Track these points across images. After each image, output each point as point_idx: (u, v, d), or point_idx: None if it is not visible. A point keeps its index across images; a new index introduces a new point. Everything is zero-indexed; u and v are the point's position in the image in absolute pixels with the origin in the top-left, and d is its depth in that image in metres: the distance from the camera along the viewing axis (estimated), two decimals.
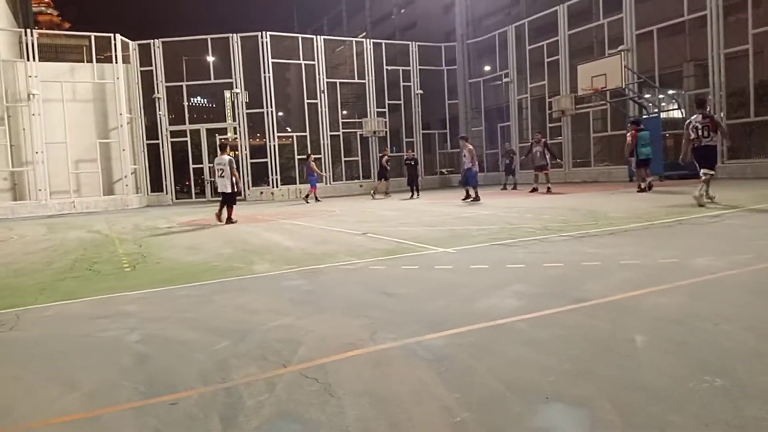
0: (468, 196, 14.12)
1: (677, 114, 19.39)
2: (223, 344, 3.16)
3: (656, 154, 16.81)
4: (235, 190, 11.52)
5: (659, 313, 3.26)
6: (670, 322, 3.09)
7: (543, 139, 16.84)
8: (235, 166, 11.76)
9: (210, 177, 23.87)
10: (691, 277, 4.12)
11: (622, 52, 18.85)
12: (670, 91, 20.60)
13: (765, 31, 16.52)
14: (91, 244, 8.90)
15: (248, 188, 23.58)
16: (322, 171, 21.83)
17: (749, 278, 4.02)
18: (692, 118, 9.66)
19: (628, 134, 14.18)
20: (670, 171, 17.86)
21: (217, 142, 23.70)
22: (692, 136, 9.39)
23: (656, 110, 19.01)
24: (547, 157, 16.28)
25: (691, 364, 2.46)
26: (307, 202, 18.54)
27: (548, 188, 16.08)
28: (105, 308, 4.30)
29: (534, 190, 16.39)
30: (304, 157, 21.14)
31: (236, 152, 24.30)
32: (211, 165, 23.49)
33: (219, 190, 11.77)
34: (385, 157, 20.26)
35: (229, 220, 11.41)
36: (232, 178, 11.43)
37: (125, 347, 3.25)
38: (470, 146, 14.49)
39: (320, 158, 24.22)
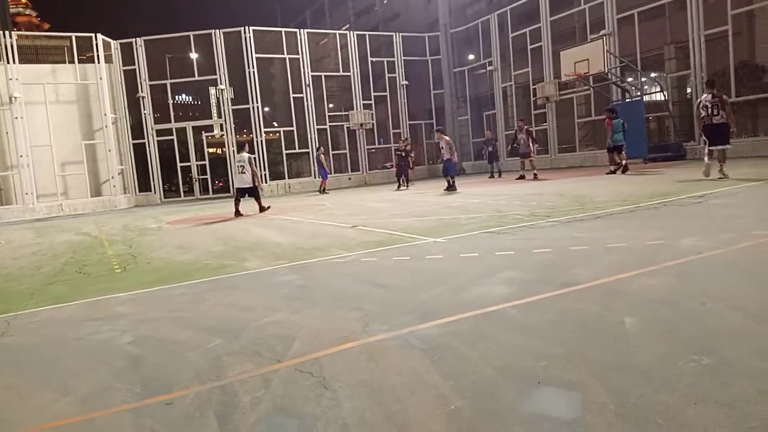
0: (450, 186, 14.24)
1: (660, 97, 19.52)
2: (216, 342, 3.16)
3: (640, 137, 17.01)
4: (257, 183, 12.56)
5: (647, 295, 3.31)
6: (658, 303, 3.14)
7: (525, 127, 17.19)
8: (255, 163, 12.60)
9: (198, 175, 23.77)
10: (677, 257, 4.17)
11: (604, 37, 18.90)
12: (653, 74, 20.70)
13: (743, 12, 16.65)
14: (80, 247, 8.83)
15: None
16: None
17: (734, 257, 4.08)
18: (702, 97, 10.26)
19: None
20: (654, 153, 18.01)
21: (204, 140, 23.73)
22: (702, 114, 10.06)
23: (639, 93, 19.12)
24: (531, 144, 16.47)
25: (680, 344, 2.50)
26: (322, 194, 19.16)
27: (534, 175, 16.23)
28: (96, 311, 4.28)
29: (521, 177, 16.60)
30: (316, 149, 21.77)
31: (224, 149, 24.22)
32: (201, 163, 23.58)
33: (238, 186, 12.66)
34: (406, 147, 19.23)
35: (262, 209, 12.45)
36: (254, 174, 12.47)
37: (118, 349, 3.25)
38: (447, 138, 14.70)
39: (307, 152, 24.16)
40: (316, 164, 20.62)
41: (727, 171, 9.87)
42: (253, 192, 12.53)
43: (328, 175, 20.30)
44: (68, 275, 6.10)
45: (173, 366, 2.86)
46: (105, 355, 3.17)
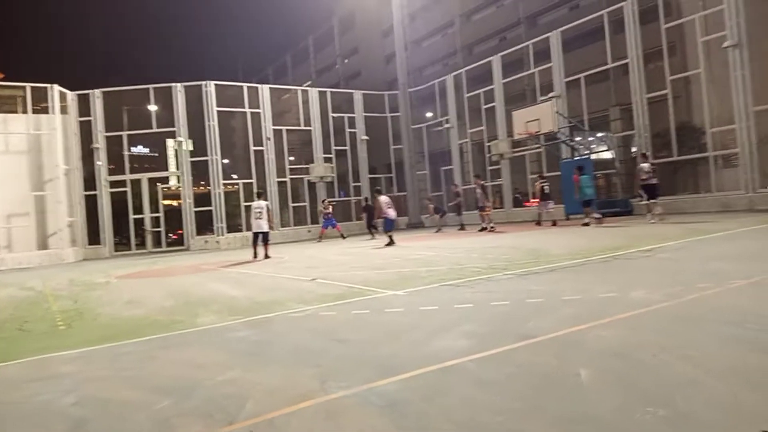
0: (391, 241, 14.67)
1: (607, 155, 20.54)
2: (166, 403, 3.01)
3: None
4: (272, 229, 13.90)
5: (602, 347, 3.38)
6: (612, 354, 3.20)
7: (480, 182, 18.22)
8: (271, 209, 13.99)
9: (152, 227, 23.19)
10: (629, 310, 4.29)
11: (553, 99, 19.96)
12: (599, 134, 21.85)
13: (681, 78, 17.97)
14: (23, 302, 8.37)
15: (192, 237, 22.98)
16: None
17: (682, 309, 4.23)
18: (642, 165, 14.55)
19: (537, 183, 17.94)
20: (603, 209, 18.74)
21: (160, 192, 23.33)
22: (644, 176, 14.22)
23: (587, 152, 20.06)
24: (483, 198, 17.73)
25: (635, 396, 2.55)
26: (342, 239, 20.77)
27: (491, 227, 16.75)
28: (37, 371, 4.03)
29: (483, 229, 17.45)
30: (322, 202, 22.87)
31: (180, 201, 23.87)
32: (155, 215, 23.08)
33: (254, 230, 13.75)
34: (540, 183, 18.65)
35: (267, 256, 13.39)
36: (269, 220, 13.76)
37: (60, 412, 3.05)
38: (383, 197, 15.43)
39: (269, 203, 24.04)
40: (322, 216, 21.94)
41: (663, 217, 13.86)
42: (266, 237, 13.61)
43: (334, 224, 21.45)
44: (8, 332, 5.75)
45: (119, 429, 2.71)
46: (45, 417, 2.97)
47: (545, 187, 17.53)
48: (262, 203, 13.78)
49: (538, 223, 17.93)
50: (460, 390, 2.84)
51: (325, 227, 21.18)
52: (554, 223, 17.18)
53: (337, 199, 26.57)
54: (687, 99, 18.71)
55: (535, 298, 5.10)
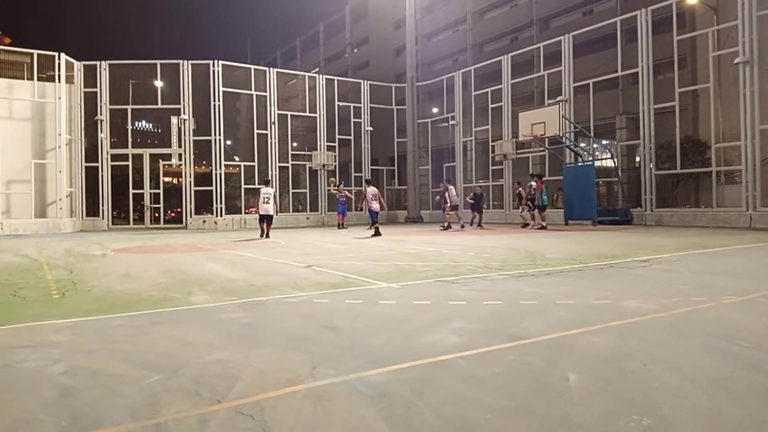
0: (377, 232, 15.48)
1: (610, 163, 20.52)
2: (154, 378, 3.02)
3: (590, 200, 17.88)
4: (277, 213, 16.42)
5: (592, 352, 3.39)
6: (601, 361, 3.21)
7: (447, 185, 19.24)
8: (278, 195, 16.34)
9: (151, 203, 23.18)
10: (622, 318, 4.30)
11: (561, 103, 19.93)
12: (604, 141, 21.82)
13: (688, 91, 17.94)
14: (18, 269, 8.38)
15: (191, 216, 22.99)
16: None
17: (675, 320, 4.24)
18: (531, 183, 17.67)
19: (519, 188, 19.36)
20: (602, 217, 18.77)
21: (161, 168, 23.32)
22: (532, 192, 17.36)
23: (590, 158, 20.06)
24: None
25: (621, 403, 2.55)
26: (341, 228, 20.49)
27: (447, 226, 18.38)
28: (28, 337, 4.04)
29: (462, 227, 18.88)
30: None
31: (180, 179, 23.86)
32: (155, 191, 23.08)
33: (263, 213, 15.77)
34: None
35: (267, 236, 15.47)
36: (275, 205, 15.91)
37: (48, 379, 3.06)
38: (370, 189, 16.30)
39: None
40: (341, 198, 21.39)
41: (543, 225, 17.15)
42: (271, 220, 15.74)
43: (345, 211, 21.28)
44: (2, 298, 5.76)
45: (106, 400, 2.71)
46: (33, 384, 2.98)
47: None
48: (270, 190, 15.81)
49: (543, 226, 17.82)
50: (449, 385, 2.85)
51: (343, 214, 20.87)
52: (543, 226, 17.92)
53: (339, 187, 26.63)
54: (694, 112, 18.70)
55: (528, 300, 5.11)
